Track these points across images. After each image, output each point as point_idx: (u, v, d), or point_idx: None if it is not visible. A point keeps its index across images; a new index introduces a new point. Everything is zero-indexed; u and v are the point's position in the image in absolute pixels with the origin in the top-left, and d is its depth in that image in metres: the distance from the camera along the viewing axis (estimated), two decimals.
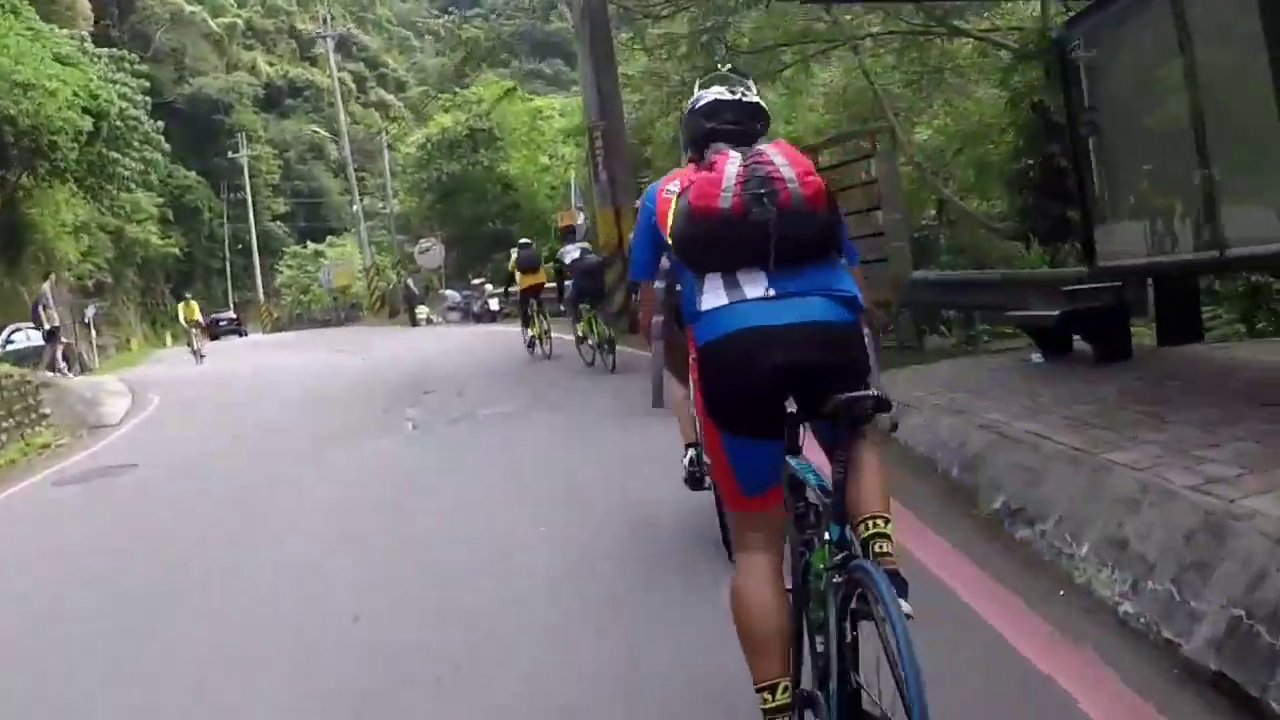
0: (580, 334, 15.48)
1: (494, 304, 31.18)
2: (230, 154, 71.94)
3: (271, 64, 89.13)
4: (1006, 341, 12.65)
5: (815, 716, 2.98)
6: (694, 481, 5.85)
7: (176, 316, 71.77)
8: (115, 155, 40.05)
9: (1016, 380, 8.65)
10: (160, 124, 46.39)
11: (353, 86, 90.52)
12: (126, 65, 43.25)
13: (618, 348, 14.58)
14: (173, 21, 76.71)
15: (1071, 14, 10.43)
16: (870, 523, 3.05)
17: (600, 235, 19.19)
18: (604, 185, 19.60)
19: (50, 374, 21.70)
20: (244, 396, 18.16)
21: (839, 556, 2.86)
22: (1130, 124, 8.86)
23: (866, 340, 3.21)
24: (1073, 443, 5.79)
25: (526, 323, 18.07)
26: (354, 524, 7.70)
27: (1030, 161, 15.65)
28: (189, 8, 78.48)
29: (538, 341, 17.19)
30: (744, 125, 3.41)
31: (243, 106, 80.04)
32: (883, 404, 2.90)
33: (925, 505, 6.13)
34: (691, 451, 5.82)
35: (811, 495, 3.17)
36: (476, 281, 35.70)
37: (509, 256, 19.83)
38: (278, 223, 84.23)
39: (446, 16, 59.65)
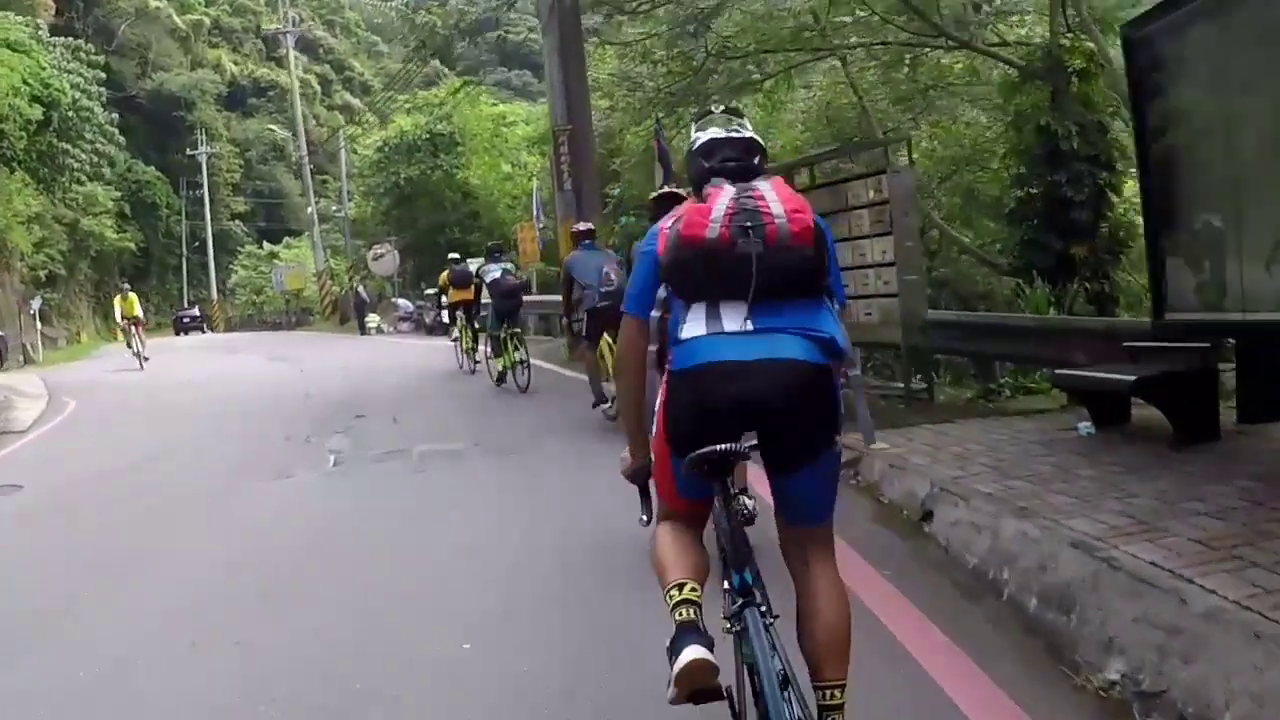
0: (466, 345, 17.87)
1: (447, 316, 30.21)
2: (189, 151, 70.56)
3: (236, 63, 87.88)
4: (1032, 399, 11.14)
5: (710, 649, 2.98)
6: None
7: (120, 309, 71.54)
8: (66, 146, 39.11)
9: (1078, 460, 7.13)
10: (115, 116, 45.61)
11: (317, 88, 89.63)
12: (82, 55, 42.20)
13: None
14: (137, 16, 75.41)
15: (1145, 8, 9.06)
16: (828, 693, 3.13)
17: (561, 249, 18.46)
18: (568, 196, 18.98)
19: None
20: (164, 408, 17.28)
21: (736, 605, 3.07)
22: (1208, 145, 7.36)
23: (852, 383, 3.31)
24: (1234, 594, 4.08)
25: (459, 337, 19.14)
26: (218, 623, 5.77)
27: (1032, 190, 15.03)
28: (154, 3, 77.28)
29: (510, 372, 15.27)
30: (742, 161, 3.45)
31: (205, 104, 78.88)
32: (823, 440, 3.18)
33: (996, 657, 4.46)
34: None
35: (721, 541, 3.31)
36: (430, 291, 34.51)
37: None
38: (237, 222, 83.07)
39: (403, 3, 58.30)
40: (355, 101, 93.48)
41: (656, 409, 3.41)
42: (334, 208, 51.40)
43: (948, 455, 7.84)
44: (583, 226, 12.43)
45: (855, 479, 7.97)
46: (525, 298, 17.57)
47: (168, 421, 15.46)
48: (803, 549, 3.33)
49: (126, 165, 71.58)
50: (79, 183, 42.61)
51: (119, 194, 67.09)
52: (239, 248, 73.74)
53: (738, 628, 3.04)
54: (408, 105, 43.28)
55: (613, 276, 11.07)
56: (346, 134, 48.50)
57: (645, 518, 3.63)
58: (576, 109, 19.20)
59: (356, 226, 45.89)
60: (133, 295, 28.20)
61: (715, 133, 3.54)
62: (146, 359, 25.57)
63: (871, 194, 11.01)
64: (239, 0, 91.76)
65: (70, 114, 38.42)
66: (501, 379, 15.41)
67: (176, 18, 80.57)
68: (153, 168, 73.77)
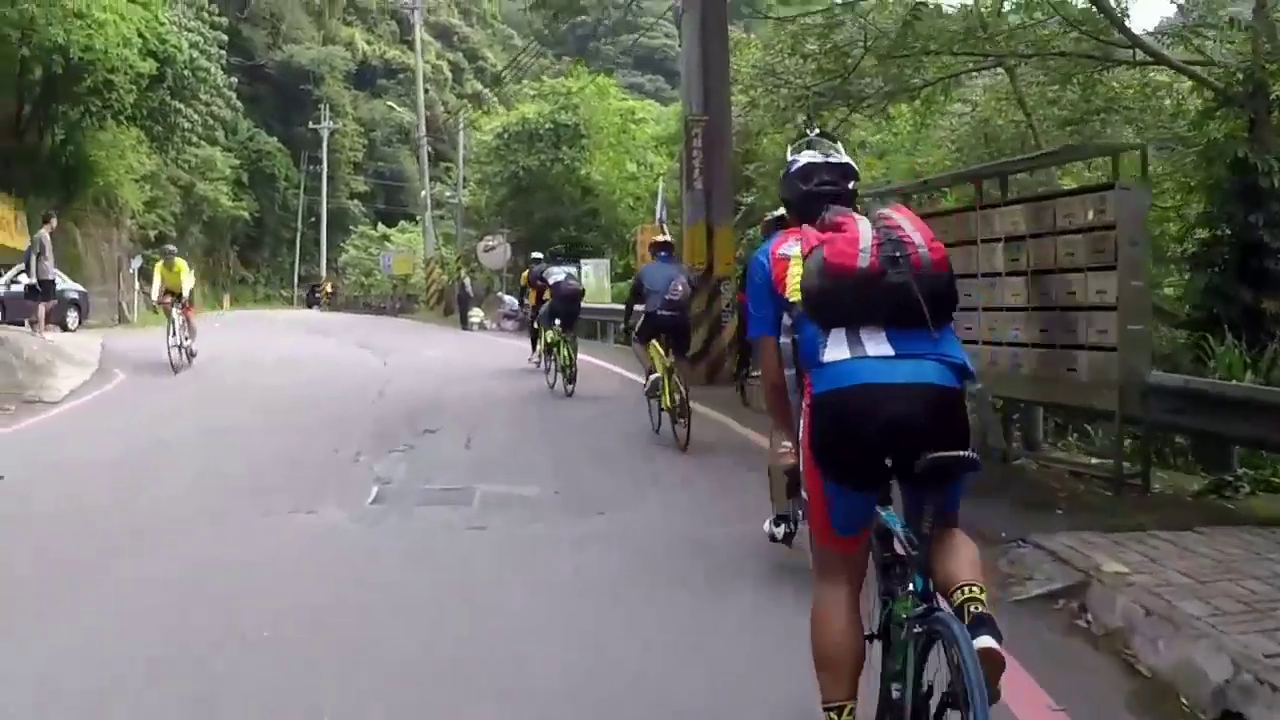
0: (538, 353, 17.18)
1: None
2: (312, 124, 69.46)
3: (369, 42, 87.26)
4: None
5: None
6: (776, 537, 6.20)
7: (240, 280, 70.25)
8: (179, 105, 37.59)
9: None
10: (234, 80, 43.99)
11: (449, 75, 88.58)
12: (205, 15, 40.75)
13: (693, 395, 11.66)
14: None
15: None
16: (965, 589, 3.12)
17: (687, 254, 16.04)
18: (698, 196, 16.38)
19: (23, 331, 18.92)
20: (216, 391, 15.32)
21: (921, 608, 3.13)
22: None
23: (978, 396, 3.66)
24: None
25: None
26: None
27: (1221, 232, 13.21)
28: None
29: (559, 375, 15.10)
30: (838, 186, 3.72)
31: (333, 80, 78.10)
32: (973, 464, 3.09)
33: None
34: (781, 527, 6.15)
35: (898, 546, 3.38)
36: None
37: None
38: (355, 201, 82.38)
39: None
40: (486, 91, 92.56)
41: (801, 440, 3.46)
42: (448, 193, 49.36)
43: (1226, 595, 5.24)
44: (661, 238, 12.41)
45: (1082, 618, 5.42)
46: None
47: (213, 406, 13.47)
48: (940, 532, 3.24)
49: (249, 134, 71.12)
50: (191, 144, 40.94)
51: (238, 161, 66.55)
52: (353, 227, 72.15)
53: (919, 628, 3.09)
54: (533, 92, 41.10)
55: (679, 289, 11.12)
56: (468, 117, 46.20)
57: (793, 526, 4.55)
58: (714, 99, 16.61)
59: (470, 215, 43.75)
60: (180, 262, 19.31)
61: (813, 157, 3.83)
62: (193, 353, 18.47)
63: (1091, 215, 8.47)
64: None
65: (186, 72, 36.82)
66: (548, 370, 15.84)
67: None
68: (275, 139, 73.17)
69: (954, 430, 3.17)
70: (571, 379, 14.59)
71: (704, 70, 16.27)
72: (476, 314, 33.35)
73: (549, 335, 15.72)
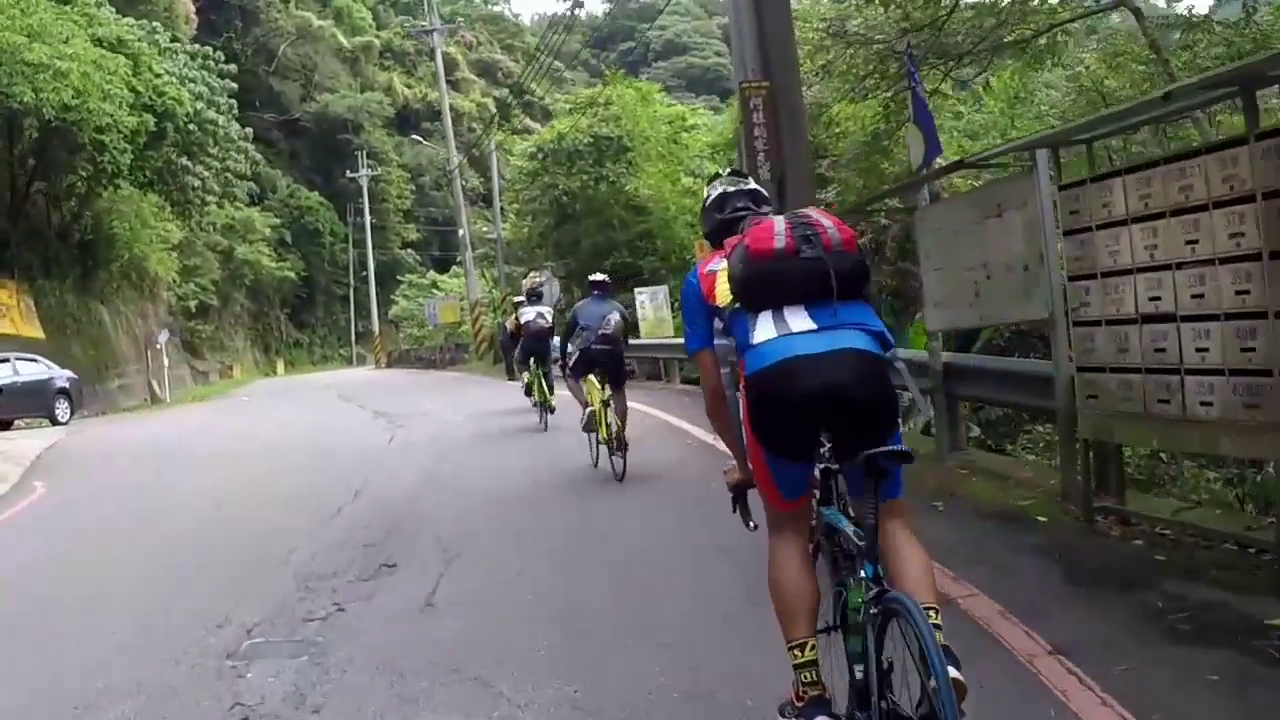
0: (526, 389, 16.82)
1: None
2: (349, 174, 66.38)
3: (409, 86, 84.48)
4: None
5: None
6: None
7: (295, 343, 67.36)
8: (185, 163, 34.30)
9: None
10: (249, 131, 40.69)
11: (494, 112, 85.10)
12: (210, 64, 37.47)
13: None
14: (299, 36, 72.29)
15: None
16: (928, 613, 3.27)
17: None
18: (765, 189, 12.28)
19: None
20: (145, 501, 11.75)
21: (873, 591, 3.31)
22: None
23: (895, 365, 3.60)
24: None
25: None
26: None
27: None
28: (317, 22, 74.07)
29: (541, 410, 15.66)
30: (751, 210, 4.06)
31: (373, 127, 75.23)
32: (906, 457, 3.36)
33: None
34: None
35: (845, 541, 3.54)
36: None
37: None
38: (408, 250, 79.40)
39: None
40: (536, 126, 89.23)
41: (742, 419, 3.77)
42: (485, 229, 45.45)
43: None
44: (597, 277, 12.55)
45: None
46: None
47: (125, 535, 9.54)
48: (884, 520, 3.44)
49: (288, 190, 68.44)
50: (207, 204, 37.67)
51: (279, 220, 63.80)
52: (400, 277, 68.81)
53: (875, 610, 3.27)
54: (568, 106, 37.12)
55: (611, 324, 11.31)
56: (496, 139, 42.33)
57: (753, 524, 4.04)
58: (777, 55, 12.21)
59: (513, 251, 39.87)
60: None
61: (726, 186, 4.29)
62: None
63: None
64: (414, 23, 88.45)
65: (190, 126, 33.55)
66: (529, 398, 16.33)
67: (342, 38, 77.32)
68: (316, 193, 70.35)
69: (884, 393, 3.52)
70: (550, 410, 15.27)
71: (757, 13, 12.06)
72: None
73: (525, 376, 16.60)
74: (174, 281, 47.96)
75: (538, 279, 31.75)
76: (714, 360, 4.08)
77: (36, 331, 31.12)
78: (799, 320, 3.51)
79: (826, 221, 3.61)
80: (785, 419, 3.52)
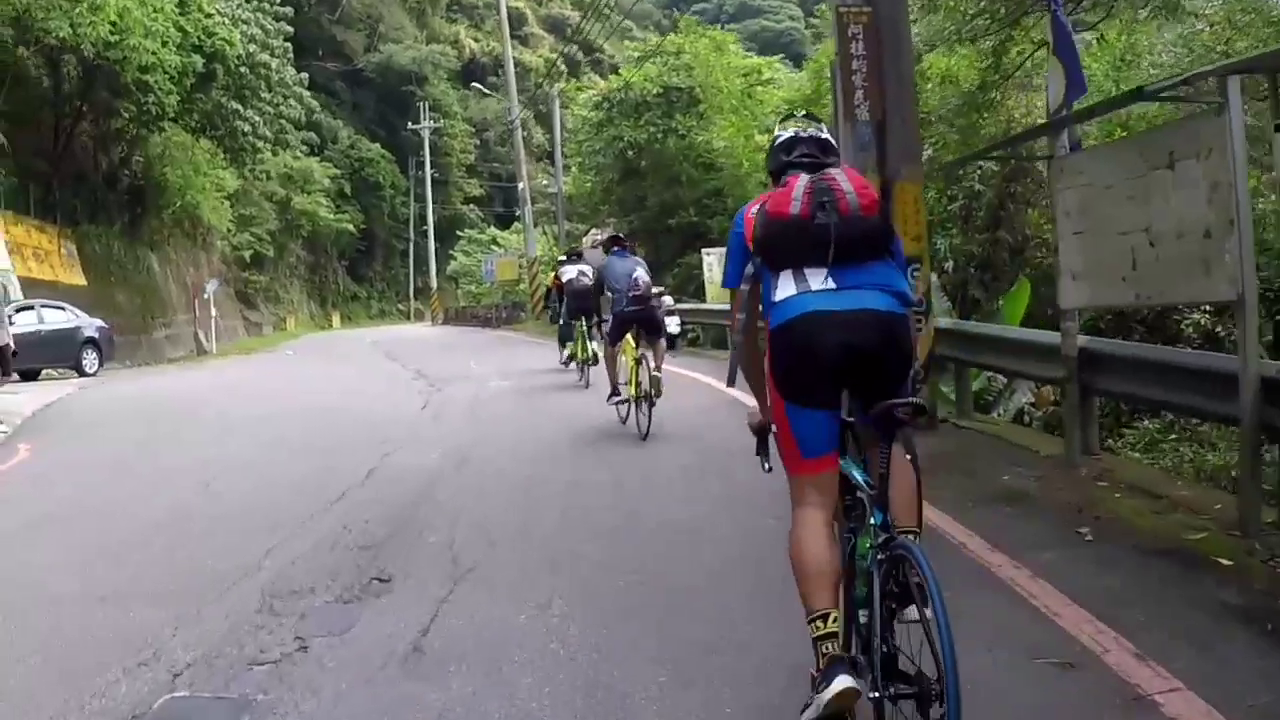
0: (569, 351, 16.71)
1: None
2: (411, 125, 64.80)
3: (476, 39, 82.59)
4: None
5: (859, 677, 3.38)
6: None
7: (351, 297, 66.23)
8: (237, 107, 32.86)
9: None
10: (304, 76, 39.24)
11: (564, 70, 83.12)
12: (265, 6, 35.96)
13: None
14: None
15: None
16: (908, 536, 3.60)
17: None
18: (863, 133, 10.27)
19: None
20: (126, 477, 10.09)
21: (881, 539, 3.50)
22: None
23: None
24: None
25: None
26: None
27: None
28: None
29: (581, 365, 15.83)
30: (818, 158, 3.98)
31: (437, 79, 73.52)
32: (920, 409, 3.59)
33: None
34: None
35: (858, 489, 3.74)
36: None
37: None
38: (470, 206, 77.76)
39: None
40: (604, 83, 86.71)
41: (767, 370, 3.84)
42: (547, 184, 43.51)
43: None
44: (604, 235, 13.70)
45: None
46: None
47: (57, 533, 7.63)
48: (884, 451, 3.57)
49: (349, 141, 67.01)
50: (255, 149, 36.19)
51: (338, 171, 62.37)
52: (460, 232, 67.18)
53: (881, 556, 3.46)
54: (636, 54, 35.08)
55: (640, 283, 11.33)
56: (559, 87, 40.42)
57: (769, 466, 4.08)
58: None
59: (574, 207, 38.05)
60: None
61: (796, 130, 4.14)
62: None
63: None
64: None
65: (242, 69, 32.11)
66: (570, 360, 16.47)
67: None
68: (377, 145, 68.94)
69: (901, 349, 3.68)
70: (593, 362, 14.94)
71: None
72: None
73: (568, 348, 16.89)
74: (228, 231, 46.75)
75: (599, 236, 30.10)
76: (740, 299, 4.04)
77: (78, 278, 29.90)
78: (819, 280, 3.65)
79: (847, 186, 3.70)
80: (805, 368, 3.64)
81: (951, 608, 3.94)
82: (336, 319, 64.42)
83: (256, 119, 34.32)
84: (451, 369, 20.26)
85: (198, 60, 29.36)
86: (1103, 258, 7.57)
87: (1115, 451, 10.55)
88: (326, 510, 7.97)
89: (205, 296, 37.15)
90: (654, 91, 31.01)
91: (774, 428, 3.91)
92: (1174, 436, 11.29)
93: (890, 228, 3.83)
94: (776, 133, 4.25)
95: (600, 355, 13.91)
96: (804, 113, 4.48)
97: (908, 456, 3.64)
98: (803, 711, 3.47)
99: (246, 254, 50.61)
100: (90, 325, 24.12)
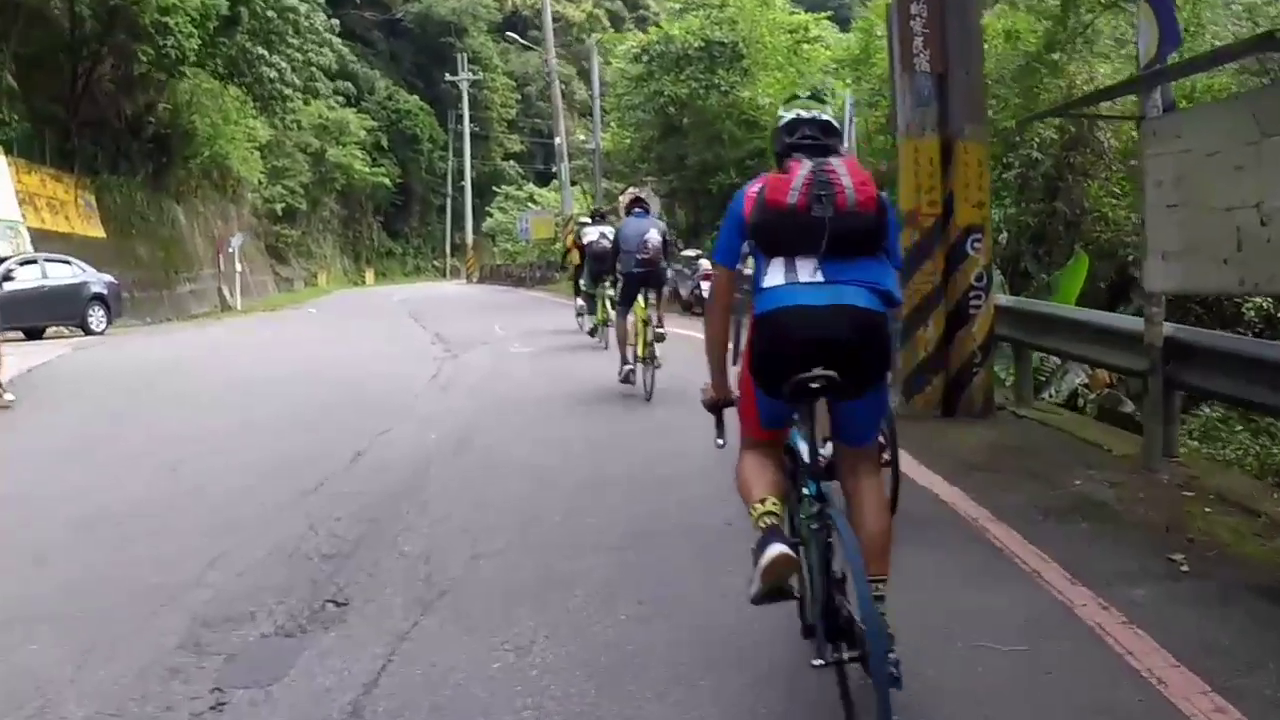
0: (592, 325, 16.89)
1: (707, 288, 20.07)
2: (449, 76, 63.60)
3: None
4: None
5: (812, 636, 3.72)
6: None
7: (387, 253, 65.38)
8: (262, 52, 31.87)
9: None
10: (334, 22, 38.20)
11: (607, 24, 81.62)
12: None
13: None
14: None
15: None
16: (874, 585, 3.51)
17: (905, 188, 9.33)
18: (922, 86, 9.25)
19: None
20: (93, 455, 9.15)
21: (815, 508, 3.67)
22: None
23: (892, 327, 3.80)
24: None
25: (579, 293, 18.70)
26: None
27: None
28: None
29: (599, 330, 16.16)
30: (820, 140, 3.92)
31: (477, 31, 72.27)
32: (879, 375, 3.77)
33: None
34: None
35: (803, 459, 3.80)
36: (690, 254, 24.37)
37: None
38: (510, 162, 76.64)
39: None
40: (643, 35, 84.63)
41: (744, 349, 3.94)
42: (584, 139, 42.27)
43: None
44: (630, 194, 13.53)
45: None
46: None
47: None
48: (854, 466, 3.89)
49: (387, 93, 65.99)
50: (284, 97, 35.13)
51: (375, 124, 61.41)
52: (496, 188, 65.87)
53: (815, 525, 3.64)
54: (676, 4, 33.63)
55: (650, 245, 11.29)
56: (597, 37, 39.09)
57: (721, 441, 4.20)
58: None
59: (612, 165, 36.86)
60: None
61: (799, 112, 4.02)
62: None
63: None
64: None
65: (269, 13, 31.11)
66: (594, 333, 16.36)
67: None
68: (416, 97, 67.90)
69: (876, 348, 3.72)
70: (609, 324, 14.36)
71: None
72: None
73: (588, 319, 17.08)
74: (259, 183, 46.01)
75: (638, 194, 28.92)
76: (729, 279, 4.12)
77: (96, 230, 29.07)
78: (808, 272, 3.68)
79: (847, 181, 3.69)
80: (780, 362, 3.66)
81: (1036, 660, 4.13)
82: (370, 275, 63.74)
83: (284, 65, 33.35)
84: (474, 332, 19.40)
85: (222, 2, 28.37)
86: (1201, 236, 6.48)
87: (1192, 448, 9.49)
88: (297, 504, 7.00)
89: (230, 251, 36.35)
90: (695, 45, 29.66)
91: (736, 394, 4.01)
92: (1239, 428, 10.54)
93: (885, 224, 3.80)
94: (780, 113, 4.21)
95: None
96: (808, 94, 4.41)
97: (885, 458, 4.09)
98: (749, 587, 3.65)
99: (278, 207, 49.93)
100: (98, 280, 23.08)
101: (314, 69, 36.68)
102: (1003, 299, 10.66)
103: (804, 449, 3.80)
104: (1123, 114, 11.29)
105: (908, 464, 7.00)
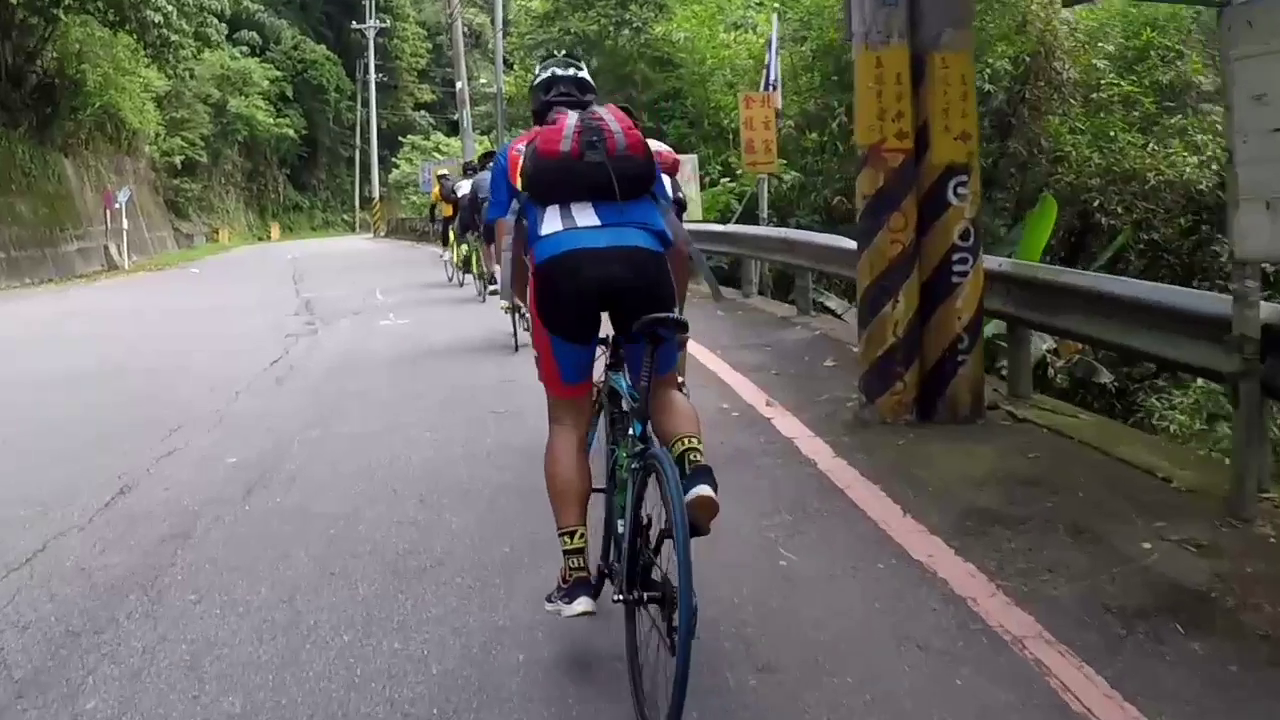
0: (457, 260, 17.98)
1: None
2: (356, 25, 61.20)
3: None
4: None
5: (613, 584, 3.71)
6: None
7: (294, 206, 63.03)
8: None
9: None
10: None
11: None
12: None
13: None
14: None
15: None
16: (684, 440, 3.73)
17: (863, 116, 7.17)
18: None
19: None
20: None
21: (638, 449, 3.62)
22: None
23: (694, 256, 4.11)
24: None
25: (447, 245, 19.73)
26: None
27: None
28: None
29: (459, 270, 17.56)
30: (576, 97, 4.09)
31: None
32: (681, 325, 3.66)
33: None
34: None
35: (624, 404, 3.90)
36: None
37: None
38: (421, 112, 74.43)
39: None
40: None
41: (530, 306, 3.97)
42: (482, 80, 40.36)
43: None
44: (481, 150, 15.20)
45: None
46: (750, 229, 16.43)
47: None
48: (658, 390, 3.73)
49: (293, 42, 63.42)
50: (170, 43, 32.82)
51: (280, 74, 58.93)
52: (402, 138, 63.30)
53: (636, 465, 3.57)
54: None
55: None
56: None
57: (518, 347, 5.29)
58: None
59: (517, 111, 35.14)
60: None
61: (555, 70, 4.22)
62: None
63: None
64: None
65: None
66: (463, 273, 17.42)
67: None
68: (323, 47, 65.42)
69: (658, 287, 3.78)
70: (491, 283, 13.89)
71: None
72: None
73: (463, 249, 16.85)
74: (156, 135, 43.69)
75: (491, 150, 27.44)
76: (504, 226, 4.08)
77: None
78: (585, 216, 3.74)
79: (615, 126, 3.79)
80: (570, 304, 3.74)
81: None
82: (276, 230, 61.24)
83: (169, 8, 31.00)
84: (350, 297, 17.57)
85: None
86: None
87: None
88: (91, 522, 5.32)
89: (117, 206, 33.89)
90: None
91: (536, 353, 3.97)
92: None
93: (654, 168, 3.90)
94: (536, 72, 4.35)
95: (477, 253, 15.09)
96: (564, 54, 4.81)
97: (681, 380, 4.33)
98: (547, 600, 3.91)
99: (177, 160, 47.55)
100: None
101: (205, 14, 34.32)
102: (995, 262, 7.99)
103: (625, 390, 3.88)
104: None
105: (877, 512, 5.33)
